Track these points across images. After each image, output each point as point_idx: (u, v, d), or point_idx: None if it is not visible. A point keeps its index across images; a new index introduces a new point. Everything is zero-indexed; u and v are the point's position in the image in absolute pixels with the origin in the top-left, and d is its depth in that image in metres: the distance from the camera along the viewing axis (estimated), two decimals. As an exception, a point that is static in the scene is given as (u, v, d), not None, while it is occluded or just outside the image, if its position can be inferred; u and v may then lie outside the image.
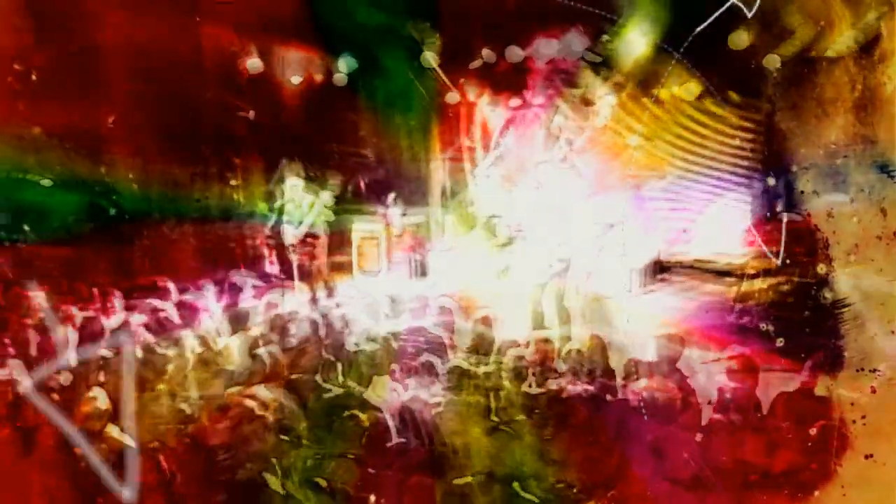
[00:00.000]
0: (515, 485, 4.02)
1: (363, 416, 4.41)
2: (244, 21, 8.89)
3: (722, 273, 8.54)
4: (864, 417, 4.77)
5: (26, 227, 8.02)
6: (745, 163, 9.07)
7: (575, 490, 3.82)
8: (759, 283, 7.80)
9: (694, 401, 4.75)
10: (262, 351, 5.78)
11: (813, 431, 4.59)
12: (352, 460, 4.03)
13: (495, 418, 4.58)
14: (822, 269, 7.06)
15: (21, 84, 7.97)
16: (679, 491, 3.66)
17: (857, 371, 5.45)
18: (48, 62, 8.01)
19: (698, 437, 4.28)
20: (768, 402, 4.69)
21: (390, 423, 4.66)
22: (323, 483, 3.97)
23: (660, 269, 9.30)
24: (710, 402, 4.27)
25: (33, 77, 7.94)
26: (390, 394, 5.00)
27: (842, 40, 7.37)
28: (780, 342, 6.22)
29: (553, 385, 4.87)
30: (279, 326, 6.07)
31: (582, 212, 9.08)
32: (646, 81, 8.87)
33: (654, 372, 5.11)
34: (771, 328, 6.59)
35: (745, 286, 7.92)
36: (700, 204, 9.45)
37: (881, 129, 6.82)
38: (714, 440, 4.15)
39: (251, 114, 9.38)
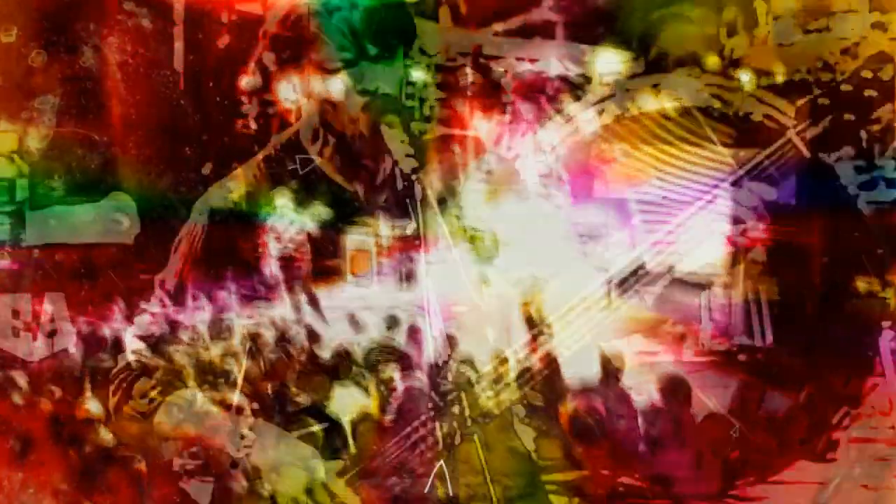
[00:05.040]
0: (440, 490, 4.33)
1: (318, 429, 4.72)
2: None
3: (703, 284, 8.73)
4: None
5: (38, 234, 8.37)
6: (729, 173, 9.24)
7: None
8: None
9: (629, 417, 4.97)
10: (237, 361, 6.08)
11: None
12: (301, 470, 4.35)
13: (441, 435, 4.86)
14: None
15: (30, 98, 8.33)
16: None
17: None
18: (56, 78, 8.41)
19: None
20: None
21: (349, 434, 4.96)
22: (268, 491, 4.30)
23: (641, 280, 9.53)
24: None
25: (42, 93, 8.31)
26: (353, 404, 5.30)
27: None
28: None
29: (504, 403, 5.14)
30: (256, 337, 6.37)
31: (564, 223, 9.30)
32: (629, 96, 9.06)
33: (593, 390, 5.33)
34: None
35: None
36: (683, 214, 9.64)
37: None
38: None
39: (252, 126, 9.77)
